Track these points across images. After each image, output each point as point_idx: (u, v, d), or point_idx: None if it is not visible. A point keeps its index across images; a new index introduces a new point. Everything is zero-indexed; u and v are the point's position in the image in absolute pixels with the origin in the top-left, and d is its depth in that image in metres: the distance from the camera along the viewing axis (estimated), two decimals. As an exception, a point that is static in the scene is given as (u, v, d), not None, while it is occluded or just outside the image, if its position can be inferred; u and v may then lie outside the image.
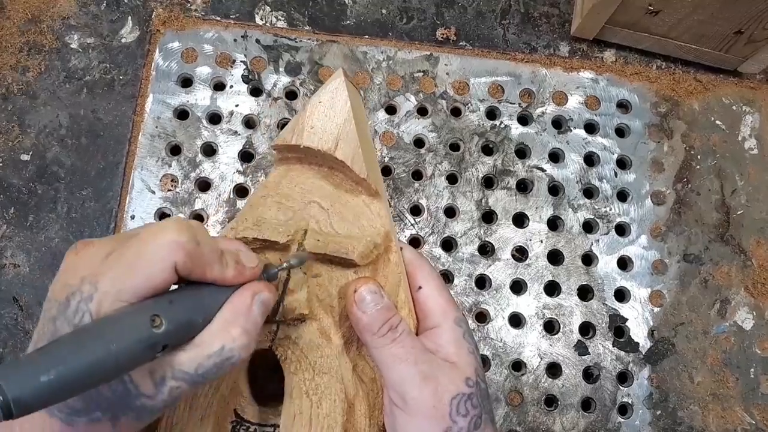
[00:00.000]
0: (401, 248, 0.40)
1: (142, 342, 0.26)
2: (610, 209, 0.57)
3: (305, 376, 0.36)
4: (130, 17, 0.58)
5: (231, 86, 0.57)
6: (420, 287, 0.38)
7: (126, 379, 0.27)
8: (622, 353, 0.54)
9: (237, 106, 0.57)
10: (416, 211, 0.56)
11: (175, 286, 0.29)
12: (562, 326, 0.54)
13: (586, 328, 0.55)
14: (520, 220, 0.57)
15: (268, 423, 0.38)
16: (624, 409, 0.54)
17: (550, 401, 0.53)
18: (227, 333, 0.29)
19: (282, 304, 0.35)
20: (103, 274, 0.27)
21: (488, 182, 0.58)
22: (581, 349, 0.54)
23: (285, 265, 0.35)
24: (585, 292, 0.56)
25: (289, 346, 0.36)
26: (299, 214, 0.39)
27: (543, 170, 0.58)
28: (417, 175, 0.57)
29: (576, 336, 0.54)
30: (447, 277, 0.55)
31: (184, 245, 0.28)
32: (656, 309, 0.56)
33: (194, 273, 0.29)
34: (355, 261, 0.36)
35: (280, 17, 0.59)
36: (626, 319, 0.55)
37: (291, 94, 0.58)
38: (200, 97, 0.56)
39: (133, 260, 0.27)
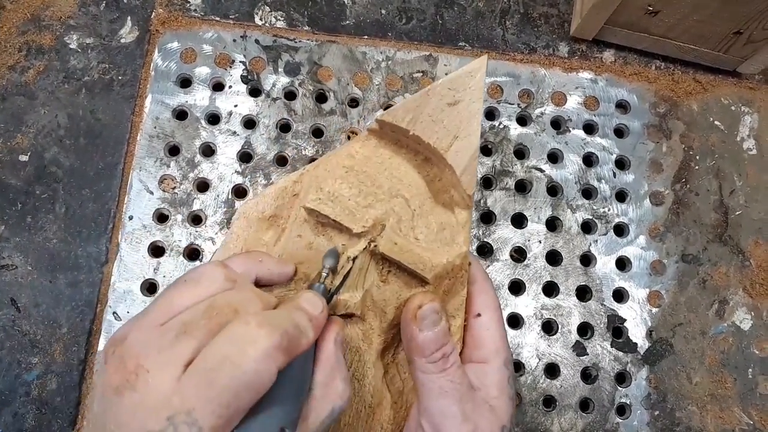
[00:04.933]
0: (469, 263, 0.36)
1: None
2: (609, 210, 0.57)
3: None
4: (129, 17, 0.58)
5: (230, 86, 0.57)
6: (479, 314, 0.35)
7: None
8: (621, 354, 0.55)
9: (236, 106, 0.57)
10: (415, 211, 0.56)
11: None
12: (560, 327, 0.54)
13: (585, 329, 0.55)
14: (518, 220, 0.57)
15: None
16: (622, 410, 0.54)
17: (549, 402, 0.53)
18: (333, 393, 0.28)
19: (336, 296, 0.33)
20: (197, 406, 0.23)
21: (487, 183, 0.58)
22: (579, 349, 0.54)
23: (325, 274, 0.32)
24: (583, 293, 0.56)
25: None
26: (382, 205, 0.34)
27: (542, 171, 0.58)
28: (416, 176, 0.57)
29: (574, 336, 0.54)
30: (446, 277, 0.55)
31: (282, 348, 0.25)
32: (654, 309, 0.56)
33: (290, 360, 0.27)
34: (428, 280, 0.34)
35: (279, 17, 0.59)
36: (624, 320, 0.55)
37: (290, 95, 0.58)
38: (199, 98, 0.56)
39: (232, 384, 0.24)
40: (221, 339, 0.25)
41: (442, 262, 0.33)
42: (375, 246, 0.34)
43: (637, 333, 0.55)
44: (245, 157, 0.56)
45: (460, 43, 0.60)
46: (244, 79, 0.57)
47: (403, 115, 0.34)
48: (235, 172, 0.55)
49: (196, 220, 0.54)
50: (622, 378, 0.54)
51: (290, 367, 0.26)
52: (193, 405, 0.23)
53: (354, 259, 0.33)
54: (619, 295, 0.56)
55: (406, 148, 0.36)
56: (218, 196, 0.54)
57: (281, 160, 0.56)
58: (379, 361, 0.34)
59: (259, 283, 0.32)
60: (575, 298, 0.55)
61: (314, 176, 0.36)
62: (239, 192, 0.55)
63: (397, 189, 0.35)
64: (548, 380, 0.53)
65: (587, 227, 0.57)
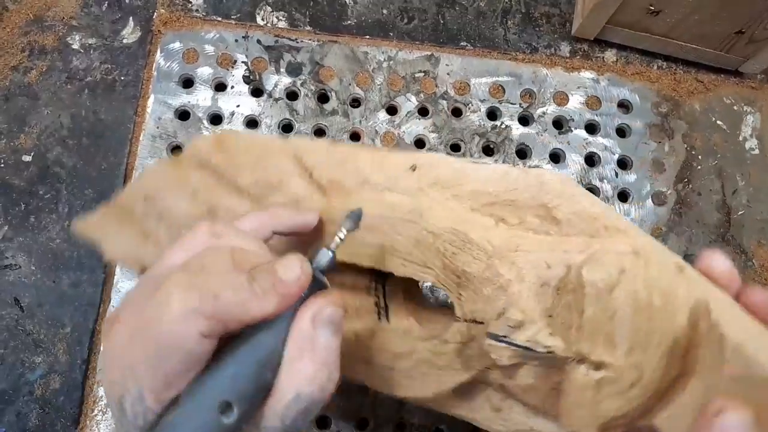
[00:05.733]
0: None
1: None
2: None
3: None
4: (131, 18, 0.58)
5: (232, 87, 0.57)
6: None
7: None
8: (623, 353, 0.54)
9: (238, 106, 0.57)
10: (417, 211, 0.56)
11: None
12: (562, 326, 0.54)
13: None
14: (520, 220, 0.57)
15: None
16: (625, 410, 0.54)
17: (551, 401, 0.53)
18: (299, 376, 0.25)
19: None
20: (138, 368, 0.24)
21: (489, 182, 0.58)
22: (582, 349, 0.54)
23: (338, 238, 0.29)
24: (586, 293, 0.56)
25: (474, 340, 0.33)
26: (610, 353, 0.30)
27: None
28: (418, 176, 0.57)
29: (577, 336, 0.54)
30: (448, 277, 0.55)
31: (198, 311, 0.23)
32: (657, 309, 0.56)
33: (230, 326, 0.24)
34: None
35: (281, 17, 0.59)
36: (627, 320, 0.55)
37: (292, 95, 0.58)
38: (201, 98, 0.57)
39: (157, 348, 0.24)
40: (152, 300, 0.24)
41: None
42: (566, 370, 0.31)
43: (639, 333, 0.55)
44: (247, 157, 0.56)
45: (462, 43, 0.60)
46: (246, 80, 0.57)
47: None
48: (238, 172, 0.55)
49: (198, 220, 0.54)
50: (624, 378, 0.54)
51: (250, 336, 0.25)
52: (136, 363, 0.24)
53: (547, 353, 0.31)
54: (622, 295, 0.56)
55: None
56: (220, 196, 0.55)
57: (283, 160, 0.56)
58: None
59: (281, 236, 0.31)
60: (577, 297, 0.55)
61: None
62: (241, 192, 0.55)
63: (645, 345, 0.30)
64: (550, 380, 0.53)
65: (589, 227, 0.57)
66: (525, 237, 0.33)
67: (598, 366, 0.30)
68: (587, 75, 0.60)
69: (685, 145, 0.60)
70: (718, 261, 0.31)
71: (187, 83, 0.57)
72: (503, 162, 0.57)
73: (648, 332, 0.30)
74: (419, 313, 0.38)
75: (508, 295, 0.31)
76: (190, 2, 0.59)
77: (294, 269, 0.26)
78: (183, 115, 0.57)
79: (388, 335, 0.35)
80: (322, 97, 0.58)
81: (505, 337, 0.31)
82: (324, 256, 0.28)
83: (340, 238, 0.29)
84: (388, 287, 0.37)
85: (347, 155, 0.36)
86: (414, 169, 0.35)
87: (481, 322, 0.33)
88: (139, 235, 0.41)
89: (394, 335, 0.35)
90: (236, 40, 0.58)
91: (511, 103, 0.59)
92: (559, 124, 0.59)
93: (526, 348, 0.31)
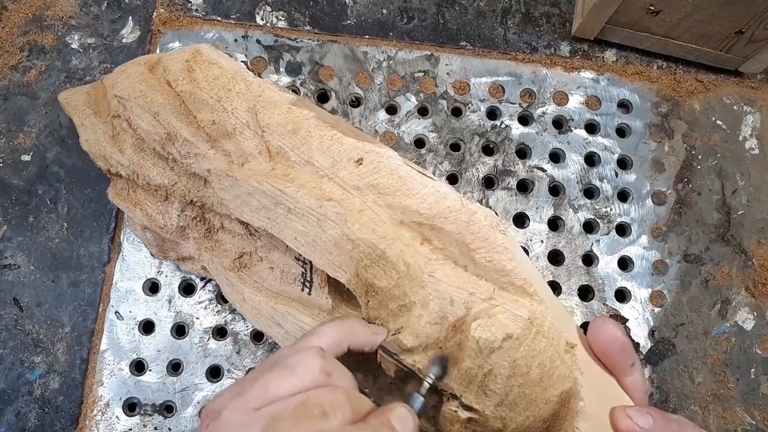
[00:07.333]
0: None
1: None
2: (611, 209, 0.57)
3: None
4: (130, 17, 0.58)
5: (231, 86, 0.57)
6: None
7: None
8: (623, 353, 0.54)
9: (237, 106, 0.57)
10: (417, 211, 0.56)
11: None
12: (562, 326, 0.54)
13: (587, 329, 0.55)
14: (520, 220, 0.57)
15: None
16: (624, 410, 0.54)
17: (551, 401, 0.53)
18: None
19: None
20: None
21: (489, 182, 0.58)
22: (582, 349, 0.54)
23: (427, 383, 0.32)
24: (585, 293, 0.56)
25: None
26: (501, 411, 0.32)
27: (543, 170, 0.58)
28: (417, 176, 0.57)
29: (576, 336, 0.54)
30: (447, 277, 0.55)
31: None
32: (657, 309, 0.56)
33: None
34: None
35: (280, 17, 0.59)
36: (627, 320, 0.55)
37: (291, 95, 0.58)
38: (201, 98, 0.56)
39: None
40: None
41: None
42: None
43: (639, 333, 0.55)
44: (247, 156, 0.56)
45: (462, 43, 0.60)
46: (246, 79, 0.57)
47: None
48: (237, 171, 0.55)
49: (197, 219, 0.54)
50: (624, 378, 0.54)
51: None
52: None
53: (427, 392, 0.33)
54: (622, 295, 0.56)
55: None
56: (220, 195, 0.54)
57: (283, 160, 0.56)
58: None
59: (349, 351, 0.33)
60: (577, 297, 0.55)
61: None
62: (241, 192, 0.55)
63: (513, 405, 0.32)
64: (550, 380, 0.53)
65: (589, 227, 0.57)
66: (443, 265, 0.34)
67: (467, 408, 0.32)
68: (587, 75, 0.60)
69: (685, 145, 0.60)
70: (606, 333, 0.33)
71: (187, 83, 0.57)
72: (503, 162, 0.57)
73: (519, 396, 0.31)
74: (340, 293, 0.39)
75: (409, 317, 0.33)
76: (190, 2, 0.59)
77: (408, 424, 0.28)
78: (182, 114, 0.56)
79: (304, 307, 0.37)
80: (322, 97, 0.58)
81: (395, 354, 0.33)
82: (417, 401, 0.31)
83: (429, 383, 0.31)
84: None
85: (301, 125, 0.37)
86: (360, 163, 0.36)
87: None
88: (109, 134, 0.44)
89: (309, 309, 0.37)
90: (236, 40, 0.58)
91: (511, 103, 0.59)
92: (558, 123, 0.59)
93: (410, 369, 0.33)
